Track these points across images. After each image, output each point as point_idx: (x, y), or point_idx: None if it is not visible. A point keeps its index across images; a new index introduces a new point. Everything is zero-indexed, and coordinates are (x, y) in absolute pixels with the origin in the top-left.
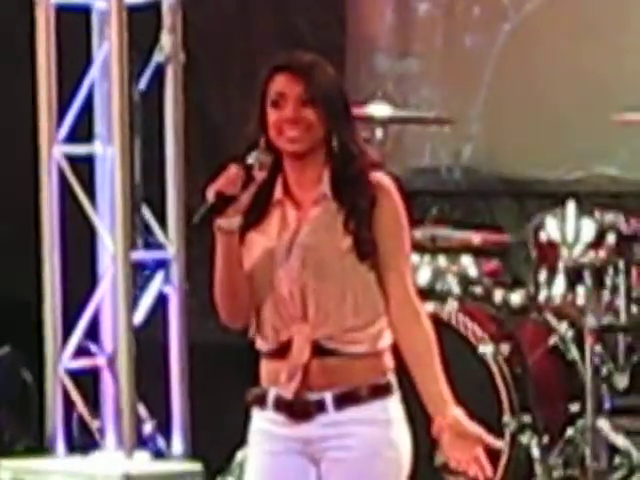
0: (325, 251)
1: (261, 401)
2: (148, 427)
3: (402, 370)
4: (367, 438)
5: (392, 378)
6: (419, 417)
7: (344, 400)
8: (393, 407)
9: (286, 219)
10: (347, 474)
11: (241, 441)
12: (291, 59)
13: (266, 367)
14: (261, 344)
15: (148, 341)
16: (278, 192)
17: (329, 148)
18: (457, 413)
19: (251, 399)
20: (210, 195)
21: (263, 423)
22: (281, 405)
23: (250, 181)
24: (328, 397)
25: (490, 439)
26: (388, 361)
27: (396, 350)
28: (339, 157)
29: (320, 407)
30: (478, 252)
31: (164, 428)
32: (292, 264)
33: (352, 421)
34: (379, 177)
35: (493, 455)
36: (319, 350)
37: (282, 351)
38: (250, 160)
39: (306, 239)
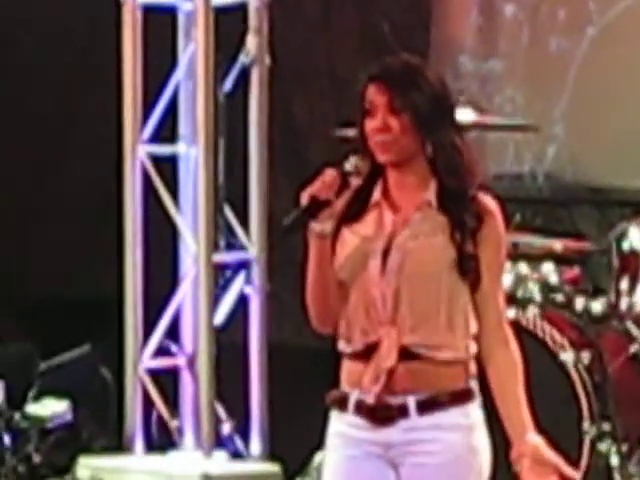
0: (425, 257)
1: (341, 404)
2: (227, 427)
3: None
4: (449, 444)
5: (474, 384)
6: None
7: (427, 405)
8: (474, 413)
9: (382, 221)
10: (428, 479)
11: (319, 443)
12: (384, 68)
13: (349, 369)
14: (345, 345)
15: (228, 342)
16: (377, 194)
17: (425, 157)
18: (537, 440)
19: (331, 401)
20: (304, 199)
21: (342, 426)
22: (363, 409)
23: (345, 187)
24: (411, 402)
25: (568, 469)
26: (472, 367)
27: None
28: (442, 168)
29: (403, 412)
30: (559, 259)
31: (242, 429)
32: (389, 266)
33: (434, 426)
34: (487, 199)
35: (571, 464)
36: (406, 355)
37: (367, 353)
38: (347, 166)
39: (406, 243)
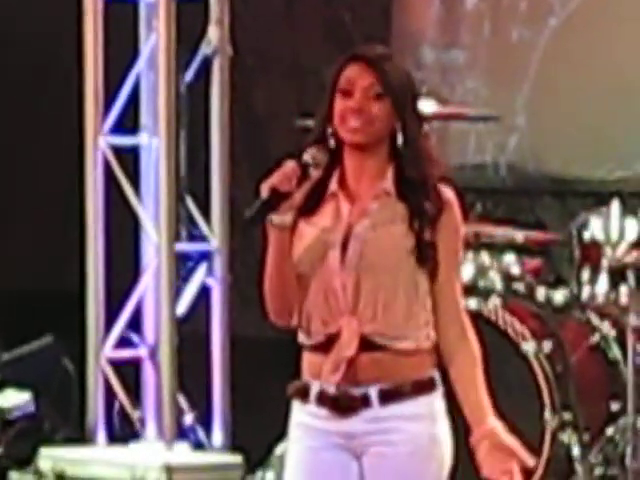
0: (385, 247)
1: (303, 394)
2: (189, 418)
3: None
4: (411, 434)
5: (436, 374)
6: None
7: (389, 395)
8: (437, 403)
9: (340, 212)
10: (390, 469)
11: (281, 434)
12: (368, 50)
13: (309, 361)
14: (305, 338)
15: (190, 333)
16: (333, 185)
17: (394, 145)
18: (496, 425)
19: (293, 392)
20: (264, 190)
21: (304, 417)
22: (324, 399)
23: (305, 178)
24: (373, 392)
25: (525, 455)
26: (433, 357)
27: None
28: (406, 156)
29: (365, 402)
30: (521, 250)
31: (204, 420)
32: (349, 256)
33: (396, 417)
34: (446, 190)
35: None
36: (367, 344)
37: (328, 344)
38: (306, 157)
39: (365, 233)
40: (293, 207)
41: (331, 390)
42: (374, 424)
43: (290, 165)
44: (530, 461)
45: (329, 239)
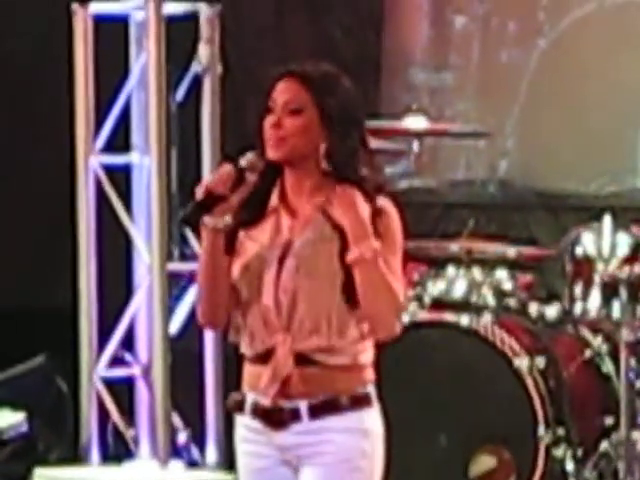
0: (320, 264)
1: (240, 406)
2: (182, 437)
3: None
4: (340, 447)
5: (372, 390)
6: (453, 437)
7: (319, 409)
8: (370, 418)
9: (280, 227)
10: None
11: None
12: (296, 68)
13: (248, 371)
14: (245, 348)
15: (183, 351)
16: (274, 200)
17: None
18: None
19: (231, 405)
20: (199, 192)
21: (242, 430)
22: (258, 411)
23: (241, 183)
24: (303, 406)
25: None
26: (369, 374)
27: (377, 364)
28: (337, 173)
29: (295, 416)
30: (513, 265)
31: (198, 438)
32: (284, 273)
33: (327, 429)
34: (383, 202)
35: (524, 468)
36: (301, 360)
37: (266, 357)
38: (242, 162)
39: (303, 249)
40: (228, 211)
41: (266, 403)
42: (305, 437)
43: (226, 169)
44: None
45: (267, 257)
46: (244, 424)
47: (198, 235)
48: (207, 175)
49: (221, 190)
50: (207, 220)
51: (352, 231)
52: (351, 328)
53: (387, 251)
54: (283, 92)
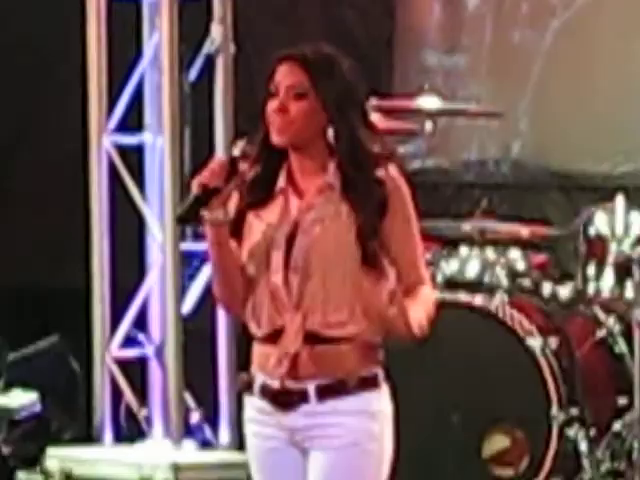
0: (330, 241)
1: (249, 387)
2: (195, 416)
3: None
4: (348, 429)
5: (380, 371)
6: (466, 417)
7: (327, 391)
8: (378, 400)
9: (288, 207)
10: (327, 463)
11: None
12: (296, 52)
13: (258, 352)
14: (255, 329)
15: (196, 331)
16: (281, 180)
17: (325, 142)
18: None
19: (239, 386)
20: (194, 188)
21: (252, 411)
22: (267, 393)
23: (235, 172)
24: (311, 388)
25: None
26: (378, 354)
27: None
28: (341, 153)
29: (303, 397)
30: (526, 245)
31: (211, 418)
32: (295, 252)
33: (335, 412)
34: (391, 174)
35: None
36: (311, 338)
37: (275, 337)
38: (235, 151)
39: (311, 227)
40: (224, 202)
41: (274, 384)
42: (313, 419)
43: (218, 161)
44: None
45: (274, 236)
46: (253, 405)
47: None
48: (219, 154)
49: (215, 183)
50: (206, 215)
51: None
52: (363, 302)
53: (407, 235)
54: (285, 76)
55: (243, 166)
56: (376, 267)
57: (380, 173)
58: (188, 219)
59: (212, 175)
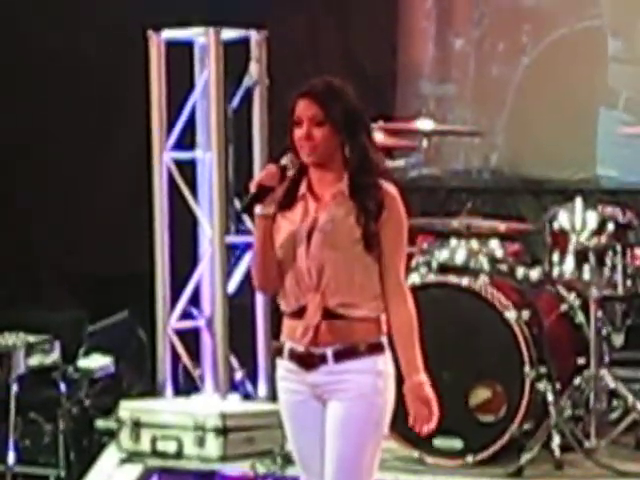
0: (340, 236)
1: (280, 352)
2: (239, 375)
3: None
4: (357, 384)
5: (384, 340)
6: (455, 375)
7: (342, 355)
8: (382, 362)
9: (308, 209)
10: (342, 411)
11: None
12: (309, 87)
13: (287, 324)
14: (284, 306)
15: (239, 307)
16: (303, 188)
17: (344, 157)
18: (422, 379)
19: (273, 350)
20: (253, 187)
21: (282, 371)
22: (294, 356)
23: (283, 178)
24: (329, 352)
25: (434, 406)
26: (382, 326)
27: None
28: (354, 164)
29: (322, 360)
30: (504, 237)
31: (251, 376)
32: (312, 245)
33: (348, 371)
34: (387, 186)
35: (513, 399)
36: (328, 314)
37: (299, 313)
38: (283, 161)
39: (325, 225)
40: (275, 201)
41: (300, 349)
42: (330, 376)
43: (272, 167)
44: (434, 419)
45: (298, 233)
46: (283, 366)
47: (251, 218)
48: (258, 168)
49: (271, 183)
50: (259, 209)
51: (405, 367)
52: (369, 288)
53: (393, 241)
54: (305, 109)
55: (290, 173)
56: (374, 250)
57: (382, 185)
58: (247, 210)
59: (268, 176)
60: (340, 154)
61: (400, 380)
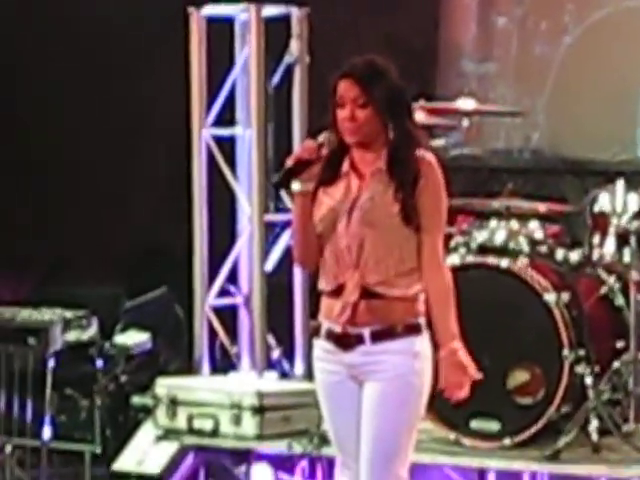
0: (380, 213)
1: (317, 332)
2: (276, 353)
3: None
4: (394, 365)
5: (422, 320)
6: (494, 357)
7: (379, 335)
8: (420, 343)
9: (350, 187)
10: (378, 392)
11: None
12: (352, 68)
13: (324, 303)
14: (323, 284)
15: (277, 285)
16: (345, 166)
17: (386, 136)
18: (457, 346)
19: (311, 330)
20: (290, 161)
21: (319, 351)
22: (331, 336)
23: (319, 154)
24: (366, 332)
25: (475, 373)
26: (421, 306)
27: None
28: (394, 143)
29: (360, 340)
30: (544, 218)
31: (288, 354)
32: (352, 222)
33: (385, 352)
34: (425, 154)
35: (552, 381)
36: (367, 293)
37: (338, 292)
38: (320, 138)
39: (365, 203)
40: (312, 177)
41: (337, 329)
42: (367, 357)
43: (309, 142)
44: (477, 375)
45: (339, 209)
46: (320, 346)
47: (289, 194)
48: (297, 145)
49: (308, 156)
50: (297, 186)
51: (440, 335)
52: (407, 265)
53: (431, 211)
54: (347, 91)
55: (325, 150)
56: (412, 223)
57: (419, 154)
58: (282, 185)
59: (305, 150)
60: (383, 134)
61: (436, 350)
